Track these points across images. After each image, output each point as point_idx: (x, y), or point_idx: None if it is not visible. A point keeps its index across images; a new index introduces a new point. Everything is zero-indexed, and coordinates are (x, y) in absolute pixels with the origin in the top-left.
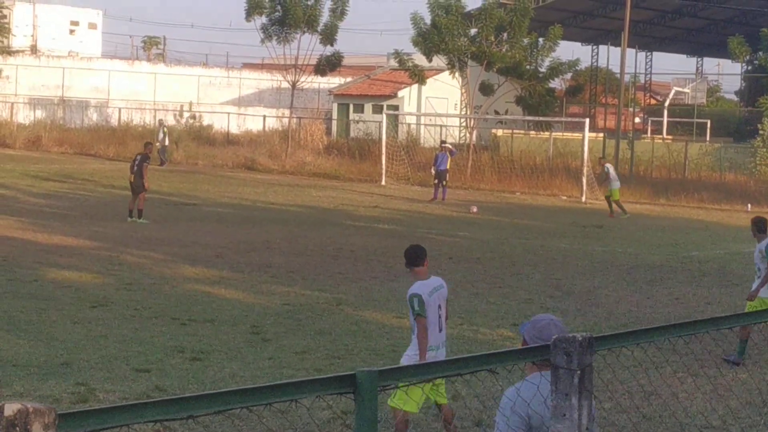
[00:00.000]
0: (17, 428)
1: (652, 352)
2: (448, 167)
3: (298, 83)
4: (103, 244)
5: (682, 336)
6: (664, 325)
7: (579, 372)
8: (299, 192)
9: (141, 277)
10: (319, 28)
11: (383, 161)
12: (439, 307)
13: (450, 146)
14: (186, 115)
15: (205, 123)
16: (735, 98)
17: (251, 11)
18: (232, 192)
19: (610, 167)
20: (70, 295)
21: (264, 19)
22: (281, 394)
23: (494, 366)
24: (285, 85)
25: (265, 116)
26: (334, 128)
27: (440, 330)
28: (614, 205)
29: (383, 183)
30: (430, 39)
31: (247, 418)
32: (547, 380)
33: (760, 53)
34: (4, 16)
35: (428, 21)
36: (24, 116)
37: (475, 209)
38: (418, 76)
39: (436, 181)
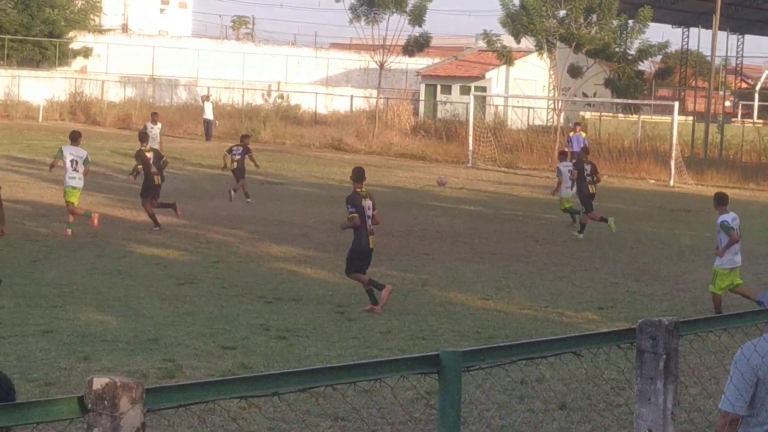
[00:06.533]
0: (105, 402)
1: (739, 337)
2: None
3: (386, 64)
4: (190, 222)
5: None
6: (753, 311)
7: (664, 356)
8: (385, 172)
9: (228, 255)
10: (407, 9)
11: (470, 142)
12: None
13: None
14: (274, 94)
15: (292, 103)
16: None
17: None
18: (318, 172)
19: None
20: (158, 272)
21: (353, 0)
22: (366, 373)
23: (579, 348)
24: (373, 65)
25: (352, 96)
26: (422, 109)
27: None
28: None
29: (470, 164)
30: (518, 20)
31: (330, 396)
32: None
33: None
34: None
35: (517, 2)
36: (114, 94)
37: (445, 180)
38: (506, 58)
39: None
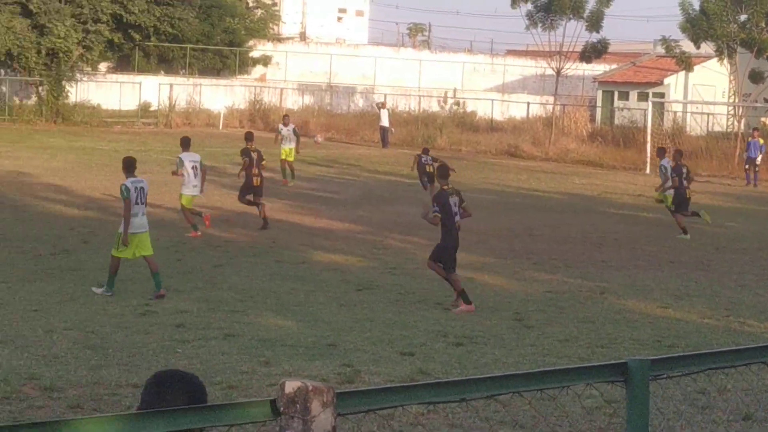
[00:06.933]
0: (297, 405)
1: None
2: (758, 155)
3: (563, 70)
4: (367, 229)
5: None
6: None
7: None
8: (562, 179)
9: (405, 261)
10: (584, 15)
11: (648, 150)
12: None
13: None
14: (450, 101)
15: (468, 109)
16: None
17: None
18: (494, 178)
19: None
20: (336, 278)
21: (529, 6)
22: (553, 380)
23: None
24: (549, 71)
25: (528, 103)
26: (598, 115)
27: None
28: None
29: (647, 171)
30: (698, 25)
31: (509, 403)
32: None
33: None
34: (275, 4)
35: (697, 7)
36: (292, 102)
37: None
38: (686, 63)
39: (747, 166)
